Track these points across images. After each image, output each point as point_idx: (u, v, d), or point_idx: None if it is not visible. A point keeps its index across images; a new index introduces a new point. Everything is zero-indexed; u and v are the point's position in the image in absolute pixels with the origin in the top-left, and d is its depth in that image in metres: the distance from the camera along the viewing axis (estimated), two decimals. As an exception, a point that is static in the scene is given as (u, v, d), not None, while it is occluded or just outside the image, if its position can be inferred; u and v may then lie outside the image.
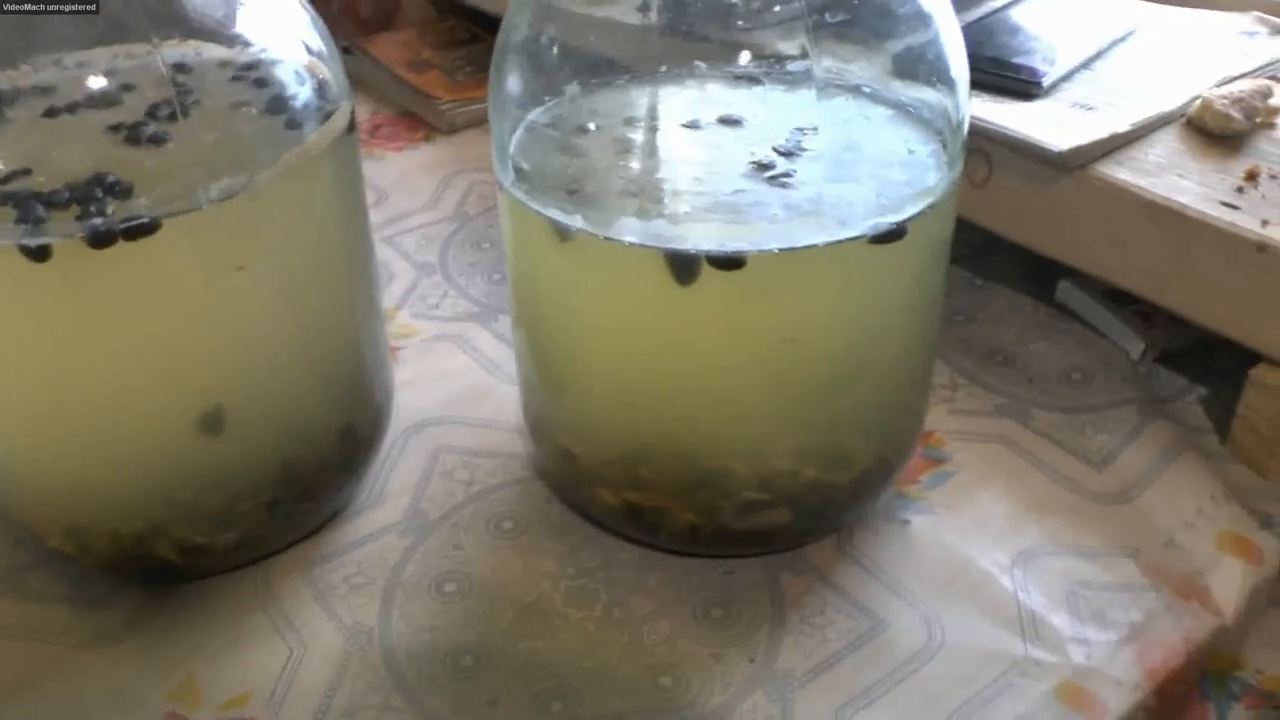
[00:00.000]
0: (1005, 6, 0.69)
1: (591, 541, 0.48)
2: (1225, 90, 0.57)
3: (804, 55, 0.44)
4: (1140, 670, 0.43)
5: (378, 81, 0.90)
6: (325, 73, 0.46)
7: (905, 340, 0.44)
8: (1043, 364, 0.58)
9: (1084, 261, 0.55)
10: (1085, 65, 0.61)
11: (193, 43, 0.45)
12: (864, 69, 0.45)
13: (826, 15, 0.43)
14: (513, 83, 0.43)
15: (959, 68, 0.42)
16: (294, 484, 0.46)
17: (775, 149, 0.42)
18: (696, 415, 0.42)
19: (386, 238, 0.71)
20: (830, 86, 0.46)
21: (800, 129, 0.43)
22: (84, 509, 0.45)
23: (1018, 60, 0.59)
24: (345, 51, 0.94)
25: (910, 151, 0.43)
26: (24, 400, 0.43)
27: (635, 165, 0.43)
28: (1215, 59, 0.61)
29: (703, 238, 0.38)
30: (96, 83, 0.43)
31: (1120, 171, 0.53)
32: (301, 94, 0.45)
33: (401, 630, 0.45)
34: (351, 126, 0.46)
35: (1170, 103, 0.57)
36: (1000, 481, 0.51)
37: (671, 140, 0.44)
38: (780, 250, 0.38)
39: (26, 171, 0.40)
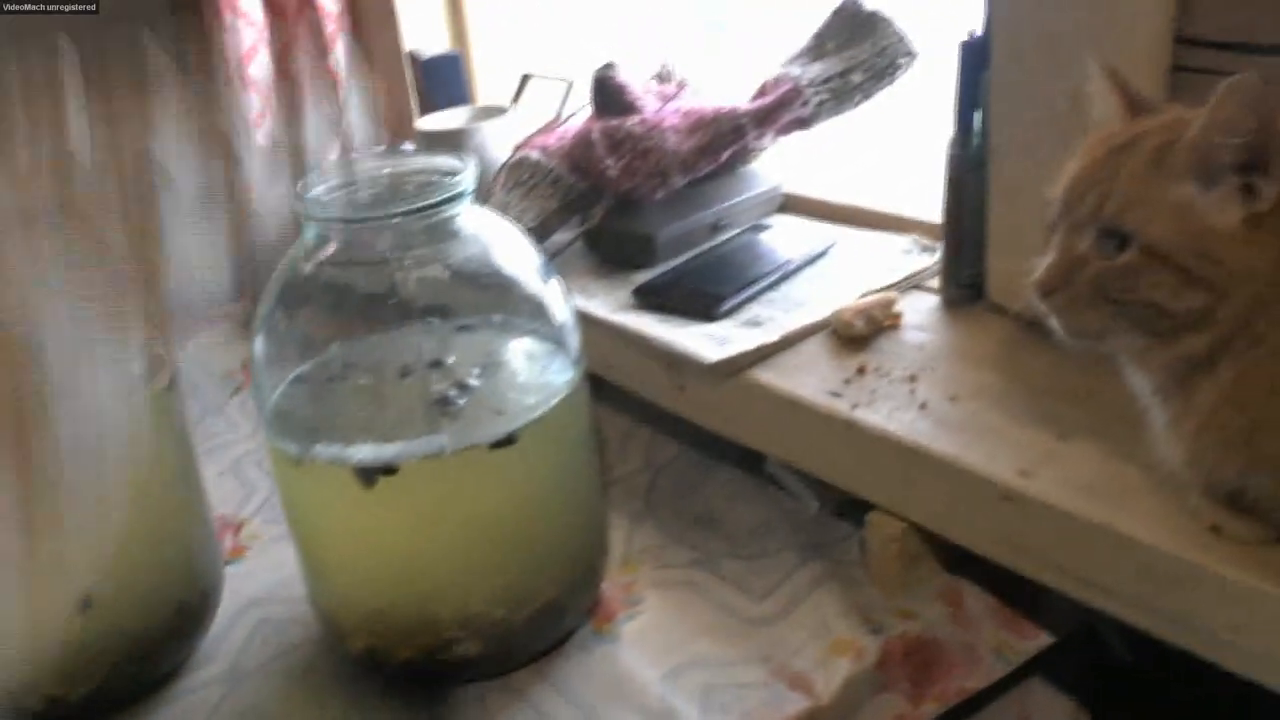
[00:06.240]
0: (736, 236, 0.87)
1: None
2: (859, 302, 0.74)
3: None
4: (742, 742, 0.58)
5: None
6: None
7: (554, 517, 0.61)
8: (740, 522, 0.74)
9: (752, 440, 0.72)
10: (773, 286, 0.80)
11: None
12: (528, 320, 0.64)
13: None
14: (260, 354, 0.62)
15: (562, 316, 0.61)
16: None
17: (456, 383, 0.60)
18: (399, 579, 0.59)
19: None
20: (517, 332, 0.64)
21: (481, 365, 0.61)
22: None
23: (708, 289, 0.78)
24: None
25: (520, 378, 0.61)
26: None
27: (353, 406, 0.61)
28: (871, 274, 0.79)
29: (371, 454, 0.56)
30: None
31: (766, 373, 0.71)
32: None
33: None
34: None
35: (820, 314, 0.75)
36: (679, 618, 0.67)
37: (386, 385, 0.62)
38: (421, 458, 0.56)
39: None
